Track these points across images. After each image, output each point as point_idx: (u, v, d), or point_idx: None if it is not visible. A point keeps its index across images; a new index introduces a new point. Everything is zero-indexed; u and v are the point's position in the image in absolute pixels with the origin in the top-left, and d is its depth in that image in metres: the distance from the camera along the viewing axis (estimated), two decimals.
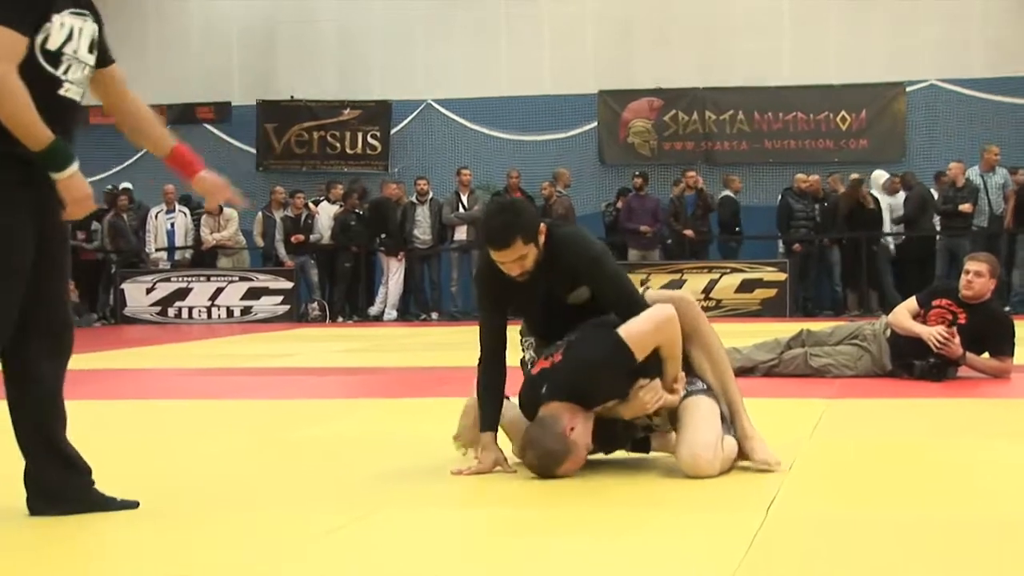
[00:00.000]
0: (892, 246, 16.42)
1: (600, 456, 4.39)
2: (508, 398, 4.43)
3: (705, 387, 4.30)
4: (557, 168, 17.92)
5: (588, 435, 4.15)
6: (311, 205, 17.57)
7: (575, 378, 4.11)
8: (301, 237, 17.16)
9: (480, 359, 4.38)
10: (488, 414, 4.31)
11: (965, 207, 15.81)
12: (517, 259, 4.14)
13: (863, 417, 6.05)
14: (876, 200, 16.44)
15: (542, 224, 4.21)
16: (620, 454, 4.43)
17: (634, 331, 4.11)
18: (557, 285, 4.28)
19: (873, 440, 5.21)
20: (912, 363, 7.31)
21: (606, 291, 4.24)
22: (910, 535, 3.33)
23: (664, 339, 4.15)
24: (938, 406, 6.35)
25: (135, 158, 20.08)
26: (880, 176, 16.88)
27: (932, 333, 7.24)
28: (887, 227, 16.38)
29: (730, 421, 4.30)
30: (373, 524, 3.56)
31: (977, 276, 7.33)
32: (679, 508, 3.76)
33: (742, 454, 4.28)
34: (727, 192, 17.25)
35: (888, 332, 7.53)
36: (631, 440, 4.34)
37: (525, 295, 4.29)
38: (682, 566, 3.04)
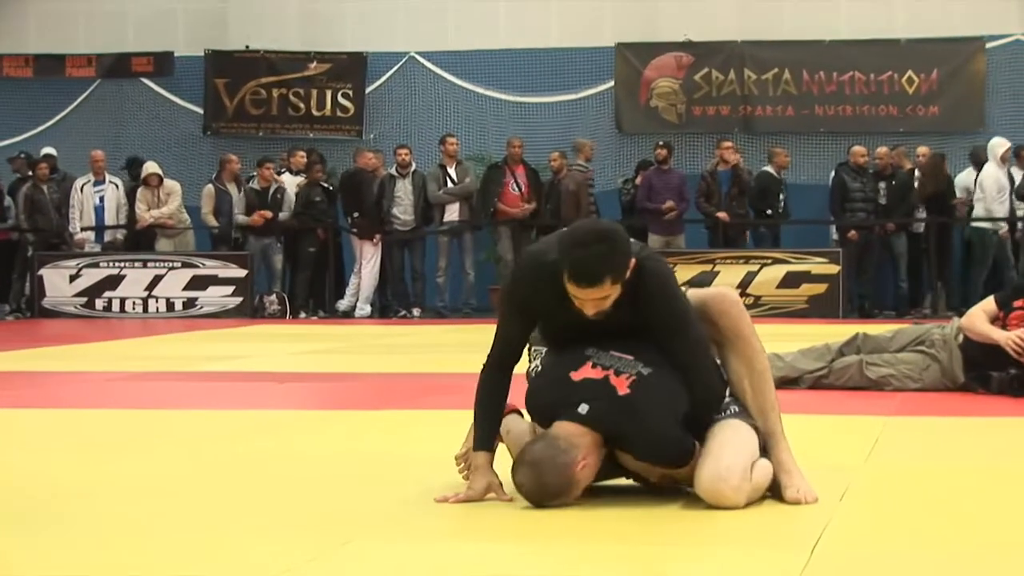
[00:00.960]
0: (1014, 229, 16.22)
1: (609, 482, 4.41)
2: (519, 411, 4.46)
3: (739, 411, 4.32)
4: (576, 138, 17.88)
5: (592, 476, 4.21)
6: (278, 177, 17.53)
7: (631, 429, 4.11)
8: (268, 214, 17.11)
9: (485, 367, 4.39)
10: (485, 432, 4.33)
11: None
12: (598, 299, 4.12)
13: (928, 438, 6.07)
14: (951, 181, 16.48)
15: (632, 259, 4.15)
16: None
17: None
18: (618, 322, 4.23)
19: (940, 466, 5.23)
20: (988, 374, 7.34)
21: (682, 357, 4.23)
22: None
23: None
24: (1019, 426, 6.37)
25: (57, 118, 20.09)
26: (999, 145, 16.46)
27: (1011, 338, 7.26)
28: (999, 210, 16.28)
29: (766, 449, 4.32)
30: (343, 560, 3.59)
31: None
32: (705, 545, 3.78)
33: (776, 485, 4.29)
34: (767, 168, 17.22)
35: (960, 338, 7.55)
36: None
37: (572, 324, 4.25)
38: None
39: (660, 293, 4.24)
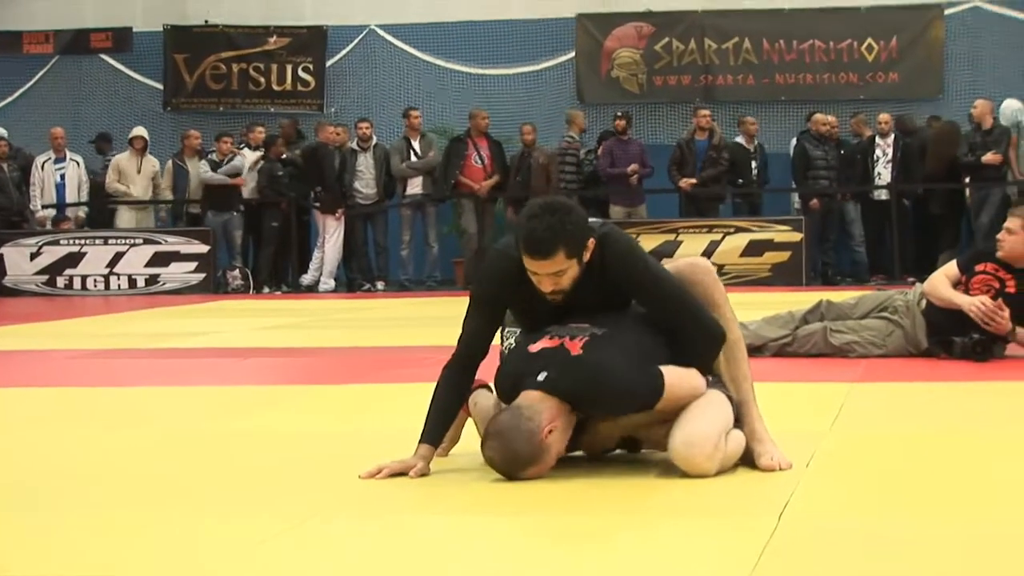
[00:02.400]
0: None
1: (579, 453, 4.39)
2: (487, 386, 4.43)
3: (713, 380, 4.31)
4: (569, 110, 17.79)
5: (564, 442, 4.17)
6: (237, 150, 17.44)
7: (588, 386, 4.08)
8: (242, 179, 16.97)
9: (447, 364, 4.36)
10: (434, 426, 4.29)
11: (991, 157, 15.75)
12: (553, 274, 4.14)
13: (893, 404, 6.08)
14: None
15: (591, 239, 4.16)
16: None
17: (676, 384, 4.13)
18: (590, 299, 4.24)
19: (905, 432, 5.24)
20: (952, 340, 7.35)
21: (667, 314, 4.24)
22: (945, 547, 3.35)
23: (685, 403, 4.19)
24: (982, 391, 6.40)
25: (16, 95, 19.94)
26: (1013, 107, 16.29)
27: (975, 304, 7.27)
28: None
29: (739, 419, 4.32)
30: (304, 537, 3.56)
31: (1008, 233, 7.35)
32: (676, 513, 3.78)
33: (748, 455, 4.29)
34: (738, 138, 17.21)
35: (923, 303, 7.57)
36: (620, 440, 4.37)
37: (543, 308, 4.26)
38: None
39: (626, 263, 4.24)
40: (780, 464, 4.23)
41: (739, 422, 4.30)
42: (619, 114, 17.18)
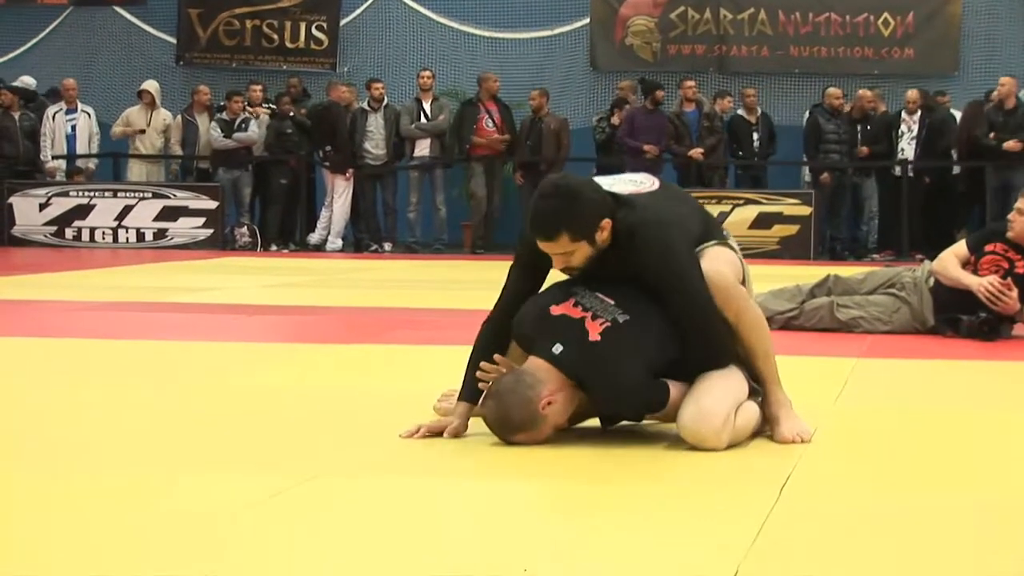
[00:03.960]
0: None
1: (588, 424, 4.39)
2: None
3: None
4: (621, 82, 17.64)
5: (564, 415, 4.16)
6: (251, 108, 17.38)
7: (596, 379, 4.08)
8: (253, 138, 16.91)
9: (489, 318, 4.36)
10: (471, 382, 4.27)
11: (1012, 145, 15.63)
12: (561, 254, 4.14)
13: (898, 380, 6.08)
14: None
15: (605, 220, 4.12)
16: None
17: (676, 403, 4.15)
18: (616, 274, 4.20)
19: (909, 408, 5.24)
20: (958, 318, 7.34)
21: (678, 314, 4.15)
22: (944, 523, 3.36)
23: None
24: (988, 370, 6.39)
25: (28, 45, 19.91)
26: None
27: (983, 284, 7.26)
28: None
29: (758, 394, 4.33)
30: (307, 495, 3.56)
31: (1019, 214, 7.32)
32: (679, 484, 3.79)
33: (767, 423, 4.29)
34: (739, 111, 17.12)
35: (931, 281, 7.56)
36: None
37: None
38: (681, 552, 3.06)
39: (654, 258, 4.15)
40: (800, 436, 4.23)
41: (758, 397, 4.30)
42: (657, 85, 16.90)
